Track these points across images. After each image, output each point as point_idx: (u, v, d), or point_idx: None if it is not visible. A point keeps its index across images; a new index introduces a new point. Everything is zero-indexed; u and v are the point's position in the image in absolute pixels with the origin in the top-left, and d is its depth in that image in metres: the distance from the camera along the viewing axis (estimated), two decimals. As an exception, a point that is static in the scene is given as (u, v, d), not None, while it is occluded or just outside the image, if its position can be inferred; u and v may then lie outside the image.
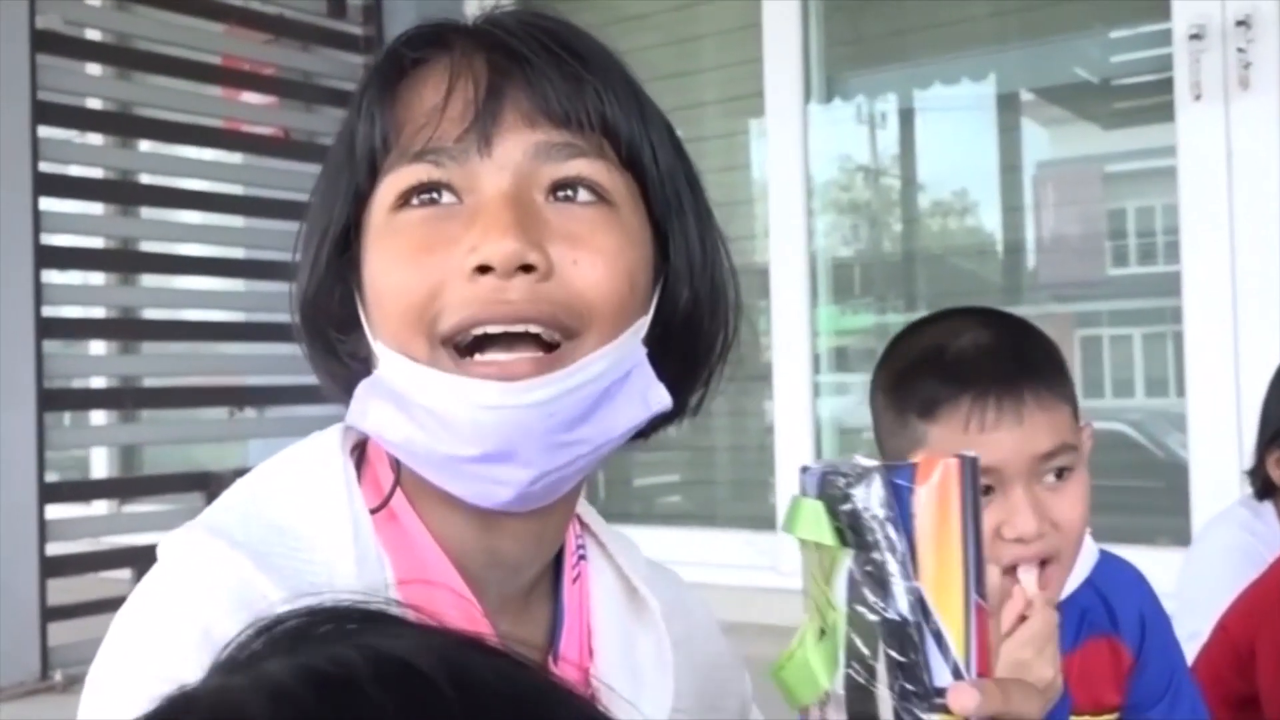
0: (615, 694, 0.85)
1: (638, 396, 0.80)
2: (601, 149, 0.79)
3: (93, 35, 3.37)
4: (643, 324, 0.81)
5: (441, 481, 0.78)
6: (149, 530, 2.85)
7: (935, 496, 0.69)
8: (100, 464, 4.15)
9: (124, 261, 3.47)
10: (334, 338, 0.83)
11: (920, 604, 0.68)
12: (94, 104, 3.36)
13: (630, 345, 0.79)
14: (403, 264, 0.76)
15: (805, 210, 2.99)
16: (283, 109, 3.36)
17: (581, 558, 0.90)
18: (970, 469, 0.70)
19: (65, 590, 2.69)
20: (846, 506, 0.69)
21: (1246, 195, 2.41)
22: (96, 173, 3.16)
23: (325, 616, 0.44)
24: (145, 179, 3.21)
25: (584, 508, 0.92)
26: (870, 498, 0.68)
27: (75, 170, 3.02)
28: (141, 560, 2.79)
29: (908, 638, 0.68)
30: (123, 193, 3.26)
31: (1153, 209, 2.89)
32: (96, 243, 3.11)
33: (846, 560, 0.69)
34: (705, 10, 3.33)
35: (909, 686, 0.68)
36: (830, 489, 0.70)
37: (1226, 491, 2.27)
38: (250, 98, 3.34)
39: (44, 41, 2.68)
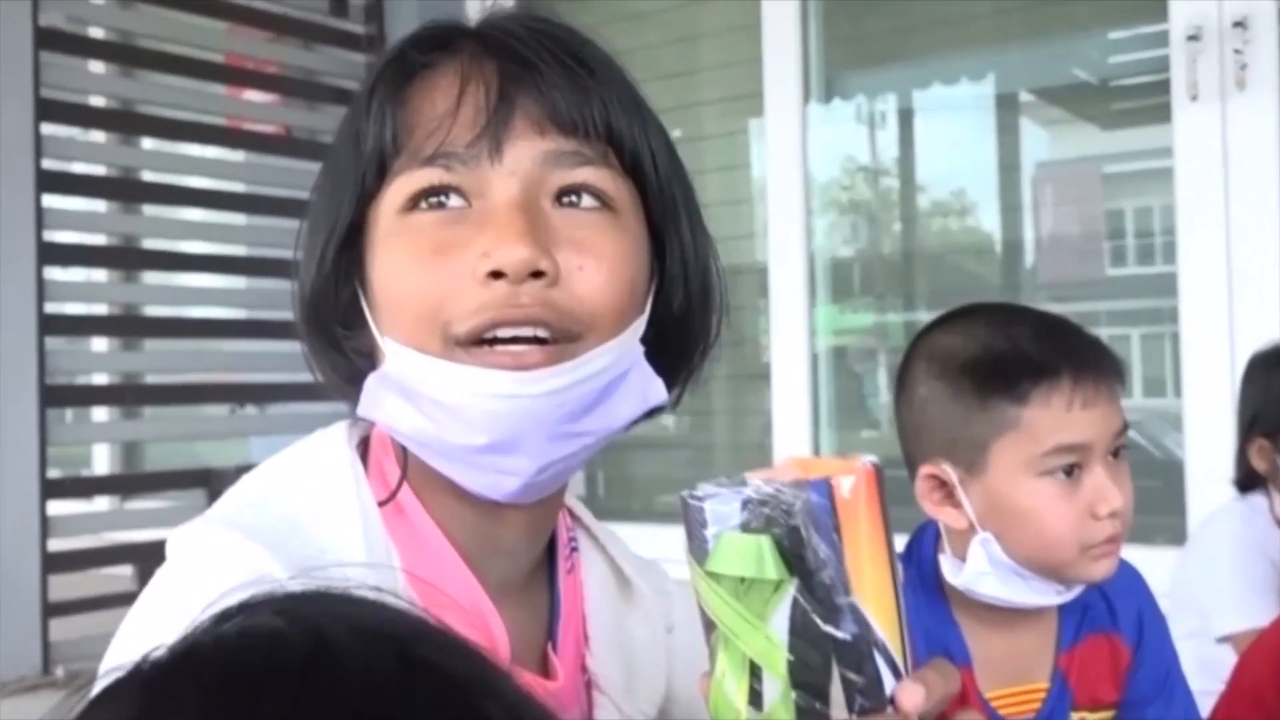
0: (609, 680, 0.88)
1: (637, 392, 0.82)
2: (606, 157, 0.81)
3: (95, 33, 3.38)
4: (640, 324, 0.83)
5: (451, 472, 0.80)
6: (151, 526, 2.86)
7: (855, 507, 0.68)
8: (102, 460, 4.16)
9: (126, 258, 3.49)
10: (339, 334, 0.84)
11: (861, 618, 0.67)
12: (97, 101, 3.36)
13: (630, 344, 0.82)
14: (414, 267, 0.78)
15: (804, 210, 3.00)
16: (285, 107, 3.37)
17: (574, 549, 0.92)
18: (878, 476, 0.69)
19: (67, 586, 2.69)
20: (788, 535, 0.67)
21: (1242, 195, 2.42)
22: (99, 170, 3.16)
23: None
24: (148, 176, 3.22)
25: (572, 501, 0.94)
26: (808, 520, 0.67)
27: (78, 167, 3.03)
28: (143, 556, 2.80)
29: (860, 654, 0.67)
30: (125, 190, 3.27)
31: (1151, 209, 2.90)
32: (99, 240, 3.12)
33: (790, 590, 0.67)
34: (704, 9, 3.34)
35: (867, 703, 0.67)
36: (763, 519, 0.67)
37: (1221, 491, 2.28)
38: (253, 95, 3.35)
39: (47, 39, 2.69)
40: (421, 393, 0.78)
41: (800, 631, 0.67)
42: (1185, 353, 2.48)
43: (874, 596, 0.68)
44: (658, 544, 1.01)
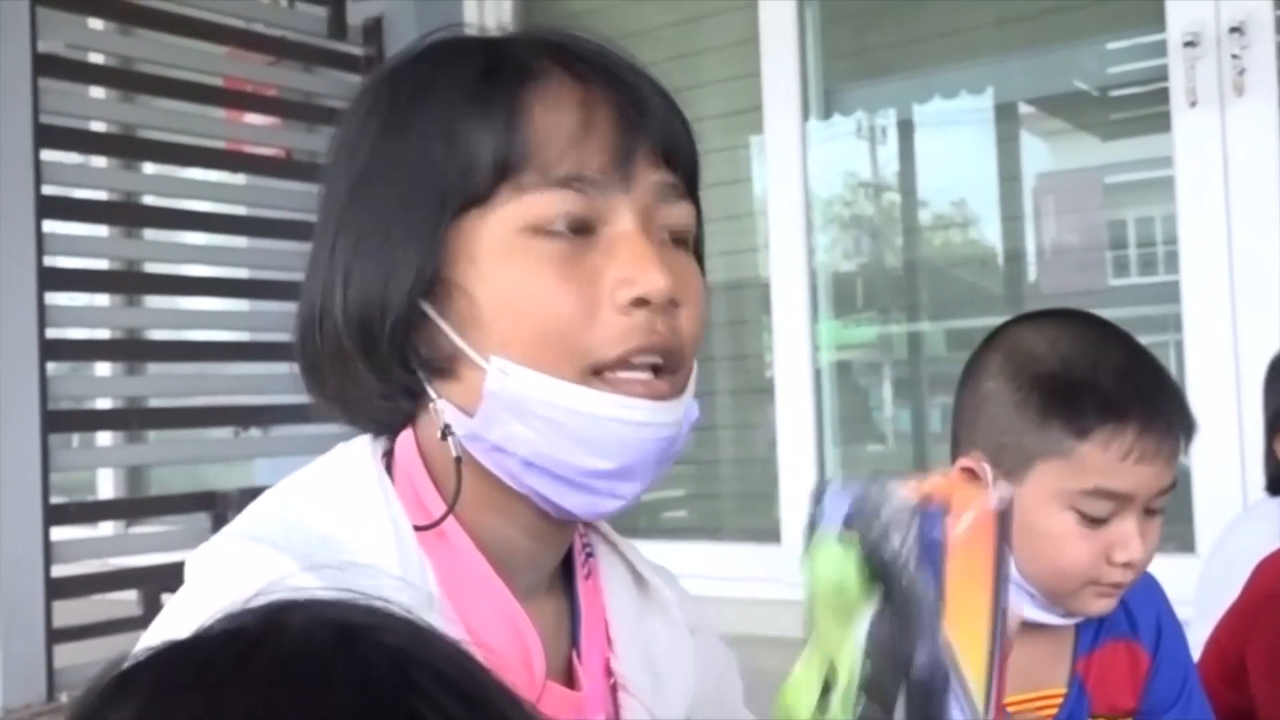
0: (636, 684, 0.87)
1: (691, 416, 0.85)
2: (689, 190, 0.84)
3: (95, 58, 3.39)
4: None
5: (555, 493, 0.80)
6: (155, 551, 2.85)
7: (969, 545, 0.67)
8: (106, 485, 4.16)
9: (128, 283, 3.49)
10: (411, 345, 0.81)
11: (947, 653, 0.66)
12: (97, 127, 3.37)
13: None
14: (546, 289, 0.77)
15: (805, 224, 3.00)
16: (285, 130, 3.37)
17: (589, 555, 0.91)
18: (1004, 519, 0.68)
19: (71, 612, 2.69)
20: (878, 554, 0.67)
21: (1243, 200, 2.42)
22: (100, 195, 3.16)
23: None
24: (149, 201, 3.23)
25: None
26: (905, 547, 0.67)
27: (78, 193, 3.03)
28: (148, 581, 2.79)
29: (931, 693, 0.66)
30: (126, 215, 3.26)
31: (1152, 219, 2.90)
32: (100, 265, 3.12)
33: (870, 608, 0.67)
34: (704, 26, 3.34)
35: None
36: (859, 529, 0.68)
37: (1228, 497, 2.27)
38: (252, 119, 3.35)
39: (46, 65, 2.69)
40: (541, 414, 0.77)
41: (879, 645, 0.67)
42: (1189, 361, 2.48)
43: (966, 637, 0.67)
44: (662, 561, 1.01)
